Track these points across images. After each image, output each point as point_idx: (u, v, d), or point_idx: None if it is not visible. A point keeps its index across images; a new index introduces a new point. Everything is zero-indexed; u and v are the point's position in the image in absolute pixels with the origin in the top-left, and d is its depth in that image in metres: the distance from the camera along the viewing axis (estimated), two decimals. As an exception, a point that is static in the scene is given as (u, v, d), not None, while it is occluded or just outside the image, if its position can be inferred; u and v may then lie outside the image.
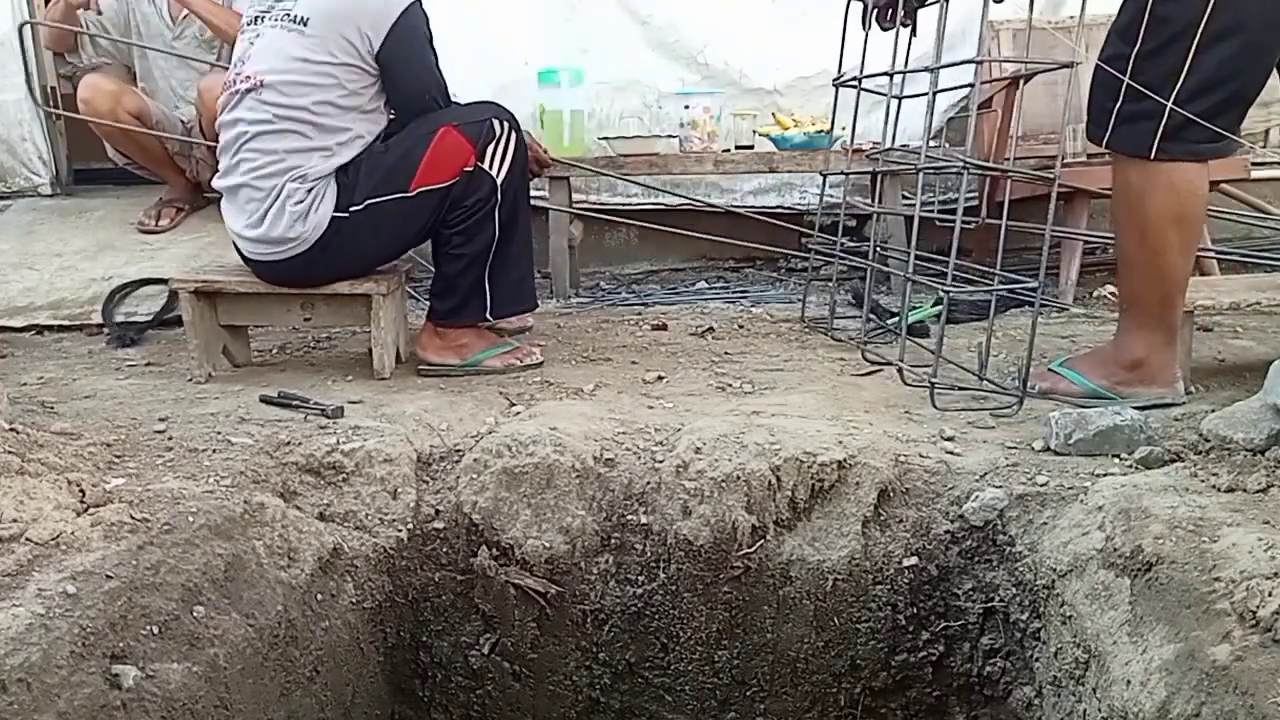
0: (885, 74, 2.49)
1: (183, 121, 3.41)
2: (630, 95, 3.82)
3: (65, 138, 4.12)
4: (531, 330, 2.76)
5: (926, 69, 2.15)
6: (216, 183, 2.30)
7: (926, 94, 2.16)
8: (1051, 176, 2.05)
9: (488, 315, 2.37)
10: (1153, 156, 1.76)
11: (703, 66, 3.80)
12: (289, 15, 2.16)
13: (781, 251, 3.76)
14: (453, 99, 2.29)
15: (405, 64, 2.19)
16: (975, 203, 3.34)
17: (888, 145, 2.70)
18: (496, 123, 2.22)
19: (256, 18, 2.23)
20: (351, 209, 2.17)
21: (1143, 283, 1.88)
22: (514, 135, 2.25)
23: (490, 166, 2.21)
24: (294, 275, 2.24)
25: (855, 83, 2.65)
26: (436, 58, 2.24)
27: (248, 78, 2.19)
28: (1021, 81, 2.47)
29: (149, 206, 3.55)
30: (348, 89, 2.17)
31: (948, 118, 3.68)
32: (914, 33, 2.47)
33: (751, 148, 3.50)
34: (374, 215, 2.18)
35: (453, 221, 2.24)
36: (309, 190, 2.16)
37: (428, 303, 3.07)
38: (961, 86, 2.72)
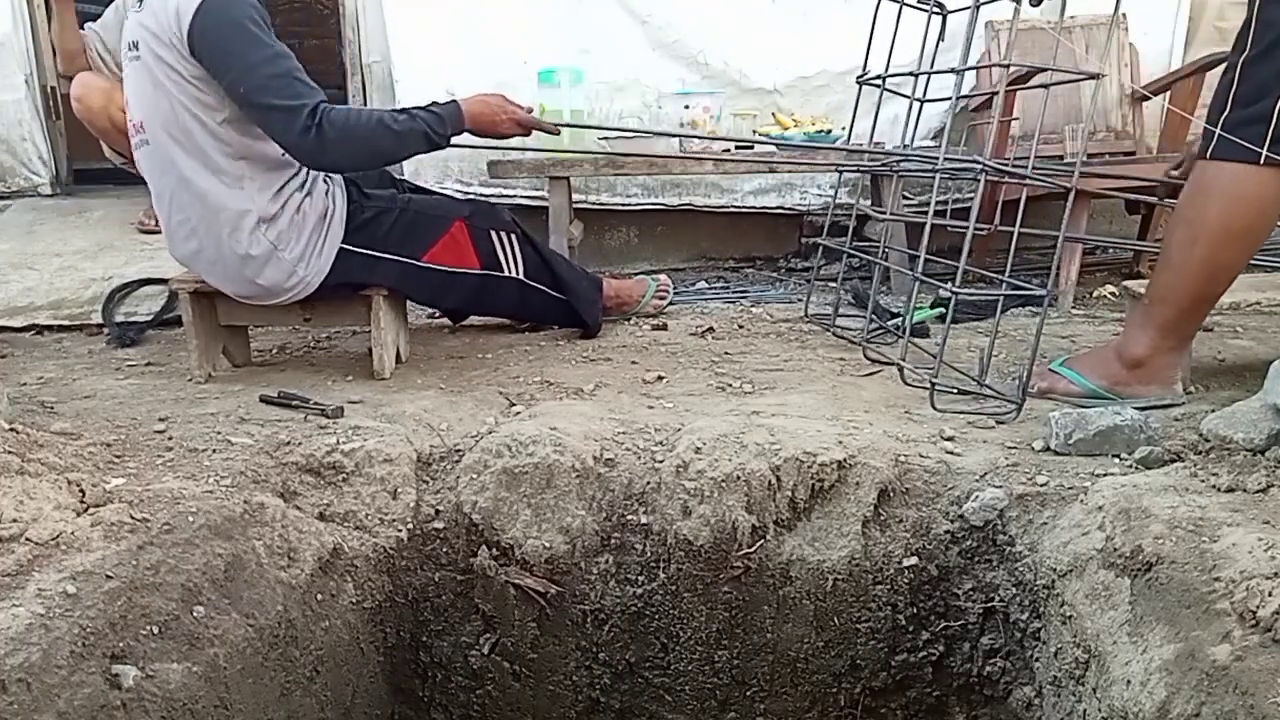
0: (910, 74, 2.49)
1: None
2: (630, 95, 3.82)
3: (65, 138, 4.13)
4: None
5: (952, 70, 2.15)
6: (172, 253, 2.25)
7: (947, 99, 2.16)
8: (1068, 185, 2.02)
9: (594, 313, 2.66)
10: (1262, 161, 1.68)
11: (703, 66, 3.80)
12: (130, 46, 2.03)
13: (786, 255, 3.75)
14: (316, 98, 1.95)
15: (221, 62, 1.93)
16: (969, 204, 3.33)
17: (902, 145, 2.70)
18: (495, 234, 2.41)
19: (126, 51, 2.08)
20: (370, 252, 2.21)
21: (1176, 287, 1.84)
22: (514, 236, 2.45)
23: (507, 269, 2.42)
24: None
25: (879, 82, 2.64)
26: (273, 48, 1.95)
27: (133, 125, 2.08)
28: (1046, 91, 2.45)
29: (149, 207, 3.53)
30: (191, 88, 1.97)
31: (949, 116, 3.68)
32: (942, 36, 2.46)
33: (751, 147, 3.50)
34: (381, 265, 2.23)
35: (530, 318, 2.66)
36: (293, 230, 2.12)
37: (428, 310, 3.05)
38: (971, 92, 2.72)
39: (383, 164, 2.15)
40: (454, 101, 2.12)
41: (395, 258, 2.24)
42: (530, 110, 2.25)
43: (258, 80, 1.93)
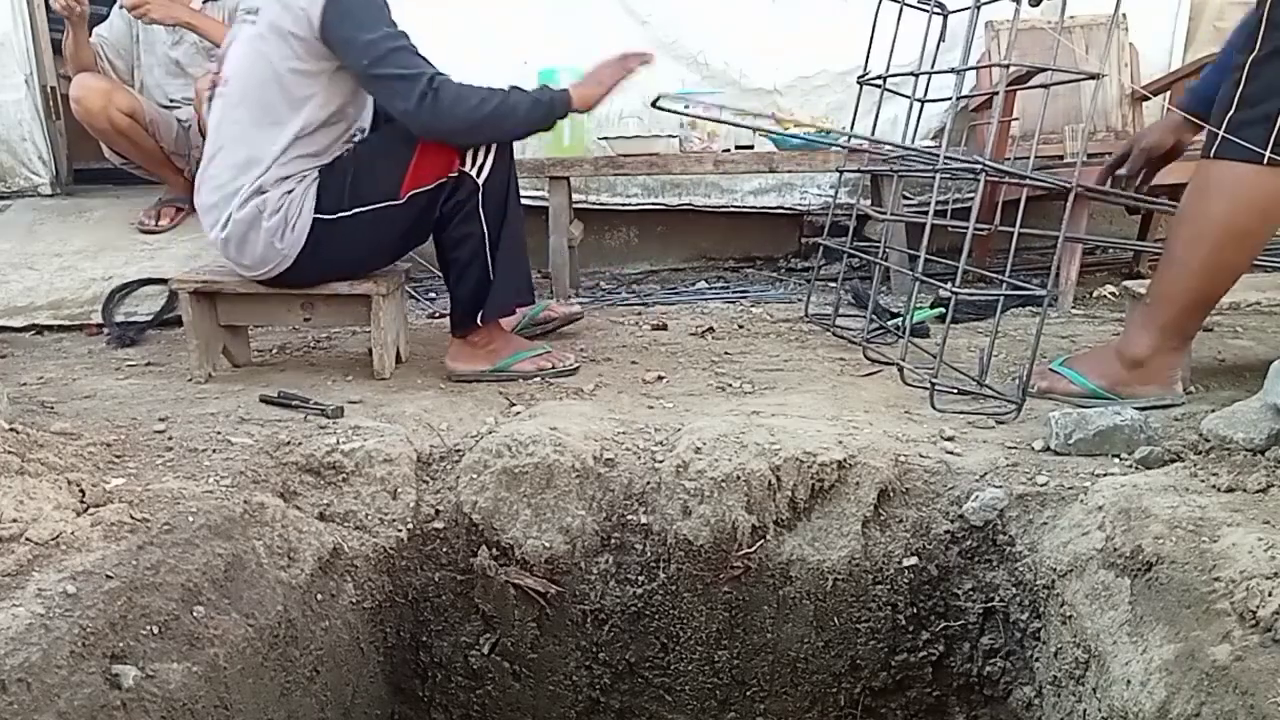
0: (910, 74, 2.49)
1: (179, 120, 3.41)
2: (630, 95, 3.81)
3: (65, 138, 4.12)
4: (579, 317, 2.78)
5: (952, 70, 2.15)
6: (195, 200, 2.28)
7: (947, 99, 2.16)
8: (1068, 185, 2.02)
9: (500, 311, 2.30)
10: (1266, 162, 1.68)
11: (702, 66, 3.80)
12: (248, 10, 2.16)
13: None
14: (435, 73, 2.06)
15: (348, 41, 2.05)
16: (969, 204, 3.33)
17: (904, 144, 2.70)
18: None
19: (242, 15, 2.23)
20: (339, 214, 2.13)
21: (1178, 287, 1.84)
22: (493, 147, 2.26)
23: (472, 169, 2.17)
24: (285, 283, 2.23)
25: (880, 81, 2.64)
26: (393, 28, 2.08)
27: (221, 77, 2.21)
28: (1046, 91, 2.45)
29: (149, 206, 3.55)
30: (299, 68, 2.07)
31: (950, 116, 3.69)
32: (942, 37, 2.46)
33: (751, 148, 3.50)
34: (362, 222, 2.14)
35: (446, 227, 2.22)
36: (280, 203, 2.11)
37: (428, 303, 3.06)
38: (976, 92, 2.72)
39: (494, 136, 2.15)
40: (564, 91, 2.17)
41: (376, 206, 2.14)
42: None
43: (380, 53, 2.03)
